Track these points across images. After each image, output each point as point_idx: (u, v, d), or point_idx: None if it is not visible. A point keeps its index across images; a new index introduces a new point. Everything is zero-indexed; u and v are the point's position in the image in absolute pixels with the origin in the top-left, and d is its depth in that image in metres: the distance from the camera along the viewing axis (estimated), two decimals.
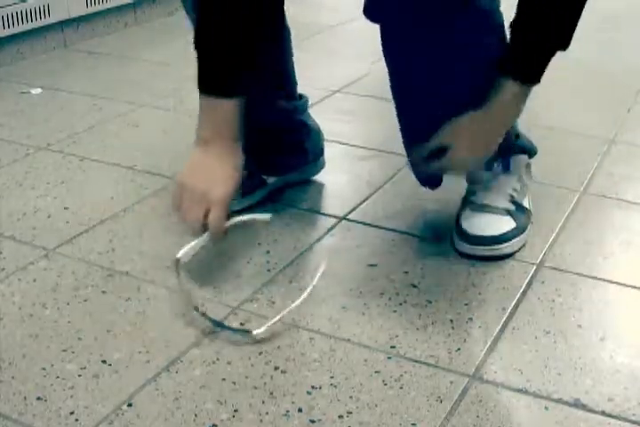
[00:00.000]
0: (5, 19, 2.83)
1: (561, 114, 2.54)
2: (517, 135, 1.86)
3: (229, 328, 1.47)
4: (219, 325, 1.48)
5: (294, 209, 1.94)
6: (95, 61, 3.01)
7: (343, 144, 2.28)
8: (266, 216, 1.66)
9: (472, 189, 1.83)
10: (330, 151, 2.13)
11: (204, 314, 1.49)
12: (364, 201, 1.96)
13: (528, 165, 1.89)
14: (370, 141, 2.30)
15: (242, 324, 1.49)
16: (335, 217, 1.88)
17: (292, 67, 1.92)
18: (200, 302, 1.55)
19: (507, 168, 1.82)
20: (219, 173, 1.58)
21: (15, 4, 2.85)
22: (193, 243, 1.55)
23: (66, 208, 1.90)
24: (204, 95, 1.61)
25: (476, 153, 1.63)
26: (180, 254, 1.54)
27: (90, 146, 2.24)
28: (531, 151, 1.90)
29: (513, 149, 1.84)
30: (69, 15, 3.09)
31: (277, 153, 1.94)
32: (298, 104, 1.96)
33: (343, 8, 3.81)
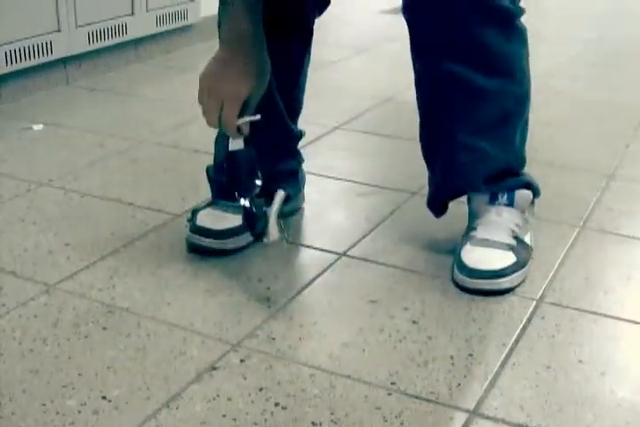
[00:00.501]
0: (8, 55, 2.85)
1: (560, 149, 2.55)
2: (523, 167, 1.88)
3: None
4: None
5: (295, 245, 1.94)
6: (97, 98, 3.03)
7: (343, 180, 2.29)
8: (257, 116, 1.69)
9: (474, 223, 1.84)
10: (330, 187, 2.14)
11: None
12: (363, 237, 1.97)
13: (532, 203, 1.89)
14: (369, 178, 2.31)
15: (242, 360, 1.49)
16: (335, 253, 1.88)
17: (303, 92, 1.97)
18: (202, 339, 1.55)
19: (510, 202, 1.82)
20: (235, 69, 1.62)
21: (18, 40, 2.87)
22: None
23: (67, 244, 1.90)
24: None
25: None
26: None
27: (91, 182, 2.24)
28: (536, 189, 1.90)
29: (518, 182, 1.85)
30: (71, 52, 3.11)
31: (274, 181, 1.95)
32: (301, 130, 1.98)
33: (345, 44, 3.84)
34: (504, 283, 1.73)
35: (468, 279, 1.72)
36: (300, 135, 2.00)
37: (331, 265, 1.84)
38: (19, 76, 2.93)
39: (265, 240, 1.68)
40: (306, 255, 1.92)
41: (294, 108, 1.96)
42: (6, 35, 2.85)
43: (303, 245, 1.95)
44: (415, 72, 1.81)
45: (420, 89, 1.83)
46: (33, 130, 2.64)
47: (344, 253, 1.88)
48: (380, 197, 2.20)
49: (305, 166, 2.06)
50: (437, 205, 1.91)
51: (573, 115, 2.90)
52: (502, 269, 1.73)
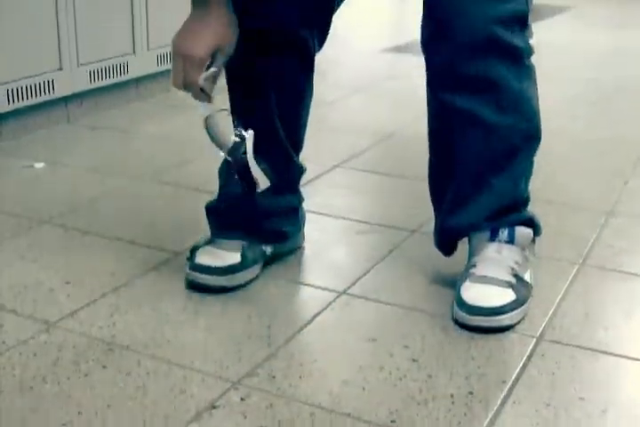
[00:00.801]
0: (10, 93, 2.87)
1: (559, 187, 2.56)
2: (527, 201, 1.89)
3: None
4: None
5: (295, 283, 1.95)
6: (98, 136, 3.04)
7: (343, 218, 2.30)
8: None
9: (473, 260, 1.84)
10: (330, 225, 2.15)
11: None
12: (363, 275, 1.97)
13: (533, 241, 1.90)
14: (369, 216, 2.32)
15: (242, 399, 1.49)
16: (335, 292, 1.88)
17: (305, 126, 1.99)
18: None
19: (511, 239, 1.83)
20: (197, 27, 1.66)
21: (20, 79, 2.89)
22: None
23: (67, 282, 1.91)
24: None
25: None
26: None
27: (92, 219, 2.25)
28: (537, 227, 1.90)
29: (520, 217, 1.86)
30: (73, 90, 3.13)
31: (275, 217, 1.96)
32: (303, 165, 2.00)
33: (346, 82, 3.86)
34: (503, 320, 1.72)
35: (467, 316, 1.72)
36: (302, 170, 2.00)
37: (331, 303, 1.84)
38: (20, 115, 2.95)
39: (258, 190, 1.72)
40: (306, 293, 1.93)
41: (296, 141, 1.96)
42: (9, 73, 2.87)
43: (303, 284, 1.96)
44: (428, 106, 1.84)
45: (432, 124, 1.86)
46: (34, 168, 2.66)
47: (344, 292, 1.88)
48: (379, 235, 2.20)
49: (305, 205, 2.07)
50: (446, 245, 1.92)
51: (572, 152, 2.91)
52: (501, 307, 1.73)
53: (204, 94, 1.68)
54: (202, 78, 1.65)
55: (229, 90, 1.88)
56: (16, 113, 2.93)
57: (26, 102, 2.94)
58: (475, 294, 1.74)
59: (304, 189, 2.08)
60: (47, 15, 2.99)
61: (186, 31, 1.68)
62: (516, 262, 1.81)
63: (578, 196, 2.51)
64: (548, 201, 2.42)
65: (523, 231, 1.85)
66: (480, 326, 1.72)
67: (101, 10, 3.23)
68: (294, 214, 2.03)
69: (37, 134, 2.99)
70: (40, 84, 2.98)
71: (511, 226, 1.83)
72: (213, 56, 1.66)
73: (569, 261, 2.07)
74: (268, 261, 1.97)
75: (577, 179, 2.66)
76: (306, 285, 1.95)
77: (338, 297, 1.86)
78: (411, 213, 2.27)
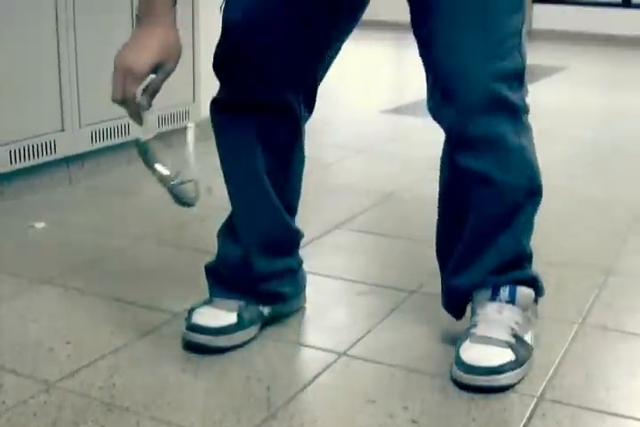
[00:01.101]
0: (12, 154, 2.89)
1: (558, 246, 2.57)
2: (529, 259, 1.90)
3: None
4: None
5: (294, 344, 1.95)
6: (99, 196, 3.06)
7: (343, 279, 2.30)
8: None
9: (474, 320, 1.84)
10: (330, 286, 2.15)
11: None
12: (363, 336, 1.97)
13: (535, 301, 1.90)
14: (369, 277, 2.32)
15: None
16: (335, 353, 1.88)
17: (298, 193, 2.01)
18: None
19: (512, 299, 1.84)
20: (143, 44, 1.66)
21: (22, 139, 2.91)
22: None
23: (67, 342, 1.91)
24: None
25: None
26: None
27: (92, 280, 2.26)
28: (539, 288, 1.91)
29: (523, 275, 1.88)
30: (75, 151, 3.16)
31: (273, 279, 1.96)
32: (299, 230, 2.00)
33: (345, 144, 3.89)
34: (502, 380, 1.72)
35: (466, 375, 1.72)
36: (299, 234, 2.01)
37: (331, 365, 1.84)
38: (22, 175, 2.97)
39: (140, 137, 1.73)
40: (306, 355, 1.92)
41: (289, 206, 1.97)
42: (11, 134, 2.90)
43: (303, 345, 1.96)
44: (442, 167, 1.89)
45: (445, 184, 1.91)
46: (35, 227, 2.67)
47: (344, 353, 1.88)
48: (379, 295, 2.20)
49: (305, 266, 2.07)
50: (454, 307, 1.93)
51: (570, 211, 2.93)
52: (500, 366, 1.73)
53: (137, 116, 1.68)
54: (139, 92, 1.65)
55: (217, 145, 1.91)
56: (18, 173, 2.95)
57: (28, 163, 2.96)
58: (473, 354, 1.75)
59: (304, 250, 2.09)
60: (50, 77, 3.03)
61: (129, 45, 1.68)
62: (517, 323, 1.82)
63: (577, 254, 2.52)
64: (547, 259, 2.42)
65: (524, 291, 1.86)
66: (478, 385, 1.72)
67: (103, 71, 3.26)
68: (292, 276, 2.04)
69: (39, 194, 3.01)
70: (42, 145, 3.00)
71: (513, 284, 1.84)
72: (155, 72, 1.66)
73: (569, 320, 2.07)
74: (268, 322, 1.97)
75: (575, 237, 2.68)
76: (305, 346, 1.95)
77: (338, 358, 1.86)
78: (410, 273, 2.28)
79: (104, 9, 3.25)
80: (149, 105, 1.68)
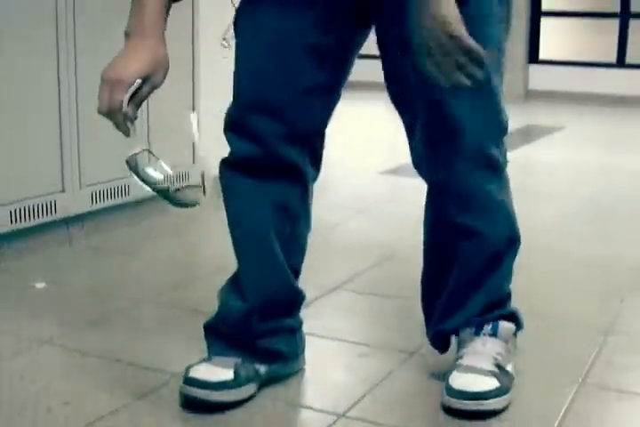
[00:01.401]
0: (12, 214, 2.90)
1: (556, 305, 2.58)
2: (509, 297, 2.01)
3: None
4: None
5: (293, 406, 1.94)
6: (98, 257, 3.07)
7: (342, 340, 2.30)
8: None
9: (461, 353, 1.95)
10: (329, 348, 2.15)
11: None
12: (362, 398, 1.97)
13: (514, 335, 2.00)
14: (368, 338, 2.33)
15: None
16: (334, 414, 1.88)
17: (304, 254, 2.04)
18: None
19: (494, 333, 1.96)
20: (131, 56, 1.70)
21: (23, 199, 2.93)
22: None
23: (66, 403, 1.90)
24: None
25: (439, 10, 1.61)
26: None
27: (91, 341, 2.26)
28: (519, 323, 2.02)
29: (504, 312, 1.98)
30: (75, 212, 3.17)
31: (271, 336, 1.97)
32: (302, 291, 2.02)
33: (344, 205, 3.91)
34: (490, 404, 1.83)
35: (456, 401, 1.82)
36: (302, 296, 2.02)
37: (330, 426, 1.83)
38: (22, 235, 2.98)
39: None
40: (305, 416, 1.92)
41: (294, 267, 1.99)
42: (12, 194, 2.91)
43: (302, 406, 1.96)
44: (427, 221, 1.99)
45: (429, 237, 2.01)
46: (35, 288, 2.67)
47: (343, 414, 1.88)
48: (378, 357, 2.20)
49: (305, 327, 2.07)
50: (440, 345, 2.05)
51: (569, 270, 2.94)
52: (487, 392, 1.83)
53: (124, 125, 1.69)
54: (126, 100, 1.67)
55: (225, 204, 1.94)
56: (18, 233, 2.96)
57: (28, 223, 2.97)
58: (462, 381, 1.85)
59: (304, 311, 2.09)
60: (51, 137, 3.05)
61: (118, 57, 1.72)
62: (499, 354, 1.93)
63: (575, 313, 2.53)
64: (545, 318, 2.43)
65: (505, 326, 1.98)
66: (467, 409, 1.81)
67: (104, 133, 3.28)
68: (292, 336, 2.04)
69: (39, 255, 3.02)
70: (42, 205, 3.01)
71: (495, 321, 1.96)
72: (143, 85, 1.69)
73: (569, 379, 2.07)
74: (267, 382, 1.97)
75: (575, 296, 2.69)
76: (305, 407, 1.95)
77: (337, 420, 1.86)
78: (409, 335, 2.28)
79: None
80: (135, 116, 1.70)
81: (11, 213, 2.90)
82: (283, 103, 1.83)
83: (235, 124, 1.88)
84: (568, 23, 10.18)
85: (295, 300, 2.02)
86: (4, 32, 2.83)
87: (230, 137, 1.88)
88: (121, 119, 1.69)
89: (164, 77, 1.73)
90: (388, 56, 1.86)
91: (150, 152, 1.72)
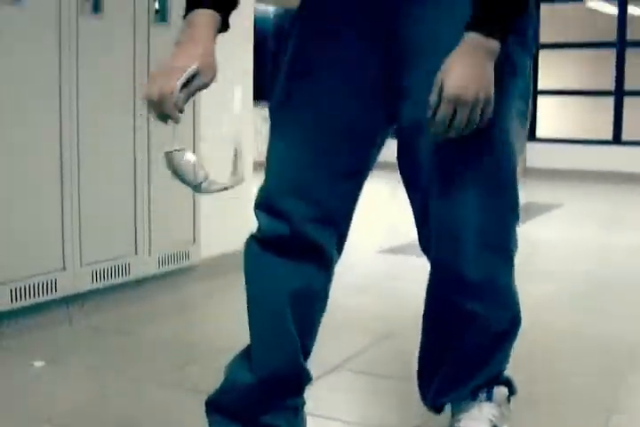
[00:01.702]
0: (13, 292, 2.91)
1: (559, 384, 2.57)
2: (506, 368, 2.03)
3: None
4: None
5: None
6: (98, 336, 3.06)
7: (341, 421, 2.29)
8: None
9: (458, 417, 1.98)
10: None
11: None
12: None
13: (508, 399, 2.03)
14: (367, 418, 2.32)
15: None
16: None
17: (316, 334, 2.04)
18: None
19: (489, 397, 1.99)
20: (183, 49, 1.73)
21: (23, 278, 2.94)
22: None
23: None
24: (186, 16, 1.78)
25: (466, 81, 1.63)
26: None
27: (91, 421, 2.24)
28: (512, 388, 2.05)
29: (499, 380, 2.01)
30: (76, 290, 3.18)
31: (274, 412, 1.96)
32: (310, 372, 2.01)
33: (345, 283, 3.90)
34: None
35: None
36: (309, 377, 2.01)
37: None
38: (22, 314, 2.99)
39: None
40: None
41: (306, 348, 2.00)
42: (12, 272, 2.93)
43: None
44: (428, 304, 1.99)
45: (430, 320, 2.01)
46: (35, 366, 2.66)
47: None
48: None
49: (304, 407, 2.07)
50: (436, 408, 2.06)
51: (570, 348, 2.93)
52: None
53: (175, 112, 1.68)
54: (180, 84, 1.66)
55: (246, 281, 1.94)
56: (18, 312, 2.96)
57: (28, 301, 2.98)
58: None
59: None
60: (52, 216, 3.08)
61: (172, 54, 1.73)
62: (494, 416, 1.97)
63: (577, 393, 2.52)
64: (548, 398, 2.42)
65: (500, 390, 2.01)
66: None
67: (105, 211, 3.32)
68: (294, 415, 2.03)
69: (39, 333, 3.01)
70: (43, 284, 3.02)
71: (490, 388, 2.00)
72: (192, 79, 1.69)
73: None
74: None
75: (576, 375, 2.68)
76: None
77: None
78: (408, 414, 2.27)
79: (106, 151, 3.33)
80: (183, 108, 1.69)
81: (11, 291, 2.91)
82: (316, 187, 1.86)
83: (265, 204, 1.89)
84: (564, 101, 10.32)
85: (302, 379, 2.01)
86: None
87: (259, 214, 1.89)
88: (171, 106, 1.68)
89: (212, 80, 1.74)
90: (402, 136, 1.87)
91: (187, 151, 1.73)
